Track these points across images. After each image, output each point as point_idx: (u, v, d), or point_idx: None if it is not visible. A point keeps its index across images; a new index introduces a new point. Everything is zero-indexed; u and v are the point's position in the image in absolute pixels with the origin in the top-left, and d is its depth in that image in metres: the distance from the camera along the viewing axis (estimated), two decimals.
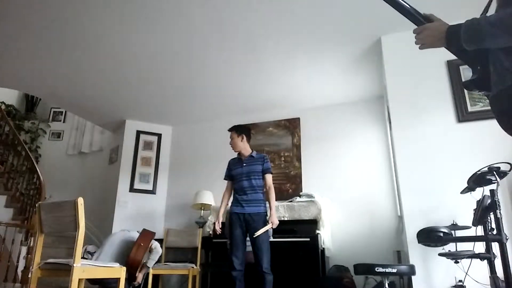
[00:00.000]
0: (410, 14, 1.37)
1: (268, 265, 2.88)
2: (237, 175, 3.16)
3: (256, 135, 5.20)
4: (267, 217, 3.05)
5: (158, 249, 3.45)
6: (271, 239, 3.03)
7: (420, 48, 1.32)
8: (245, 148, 3.25)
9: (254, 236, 2.90)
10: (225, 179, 3.31)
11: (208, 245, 4.10)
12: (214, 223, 3.17)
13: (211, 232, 4.19)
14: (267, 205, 3.09)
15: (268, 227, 2.95)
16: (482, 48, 1.17)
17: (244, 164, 3.16)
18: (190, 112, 5.30)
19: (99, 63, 4.04)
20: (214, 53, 3.83)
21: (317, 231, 3.69)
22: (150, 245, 3.39)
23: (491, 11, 1.20)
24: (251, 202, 3.05)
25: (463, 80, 3.08)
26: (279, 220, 3.90)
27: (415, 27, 1.34)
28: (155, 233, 3.50)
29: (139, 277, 3.40)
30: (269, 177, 3.16)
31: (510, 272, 2.05)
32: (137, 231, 3.64)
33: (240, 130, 3.29)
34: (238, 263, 2.92)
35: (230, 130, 3.32)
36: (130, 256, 3.21)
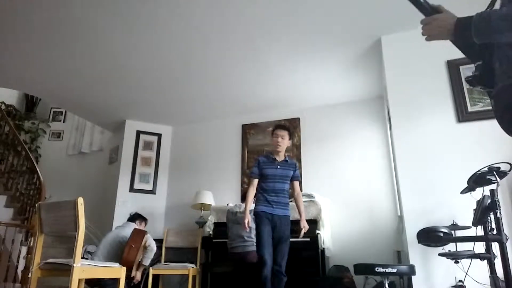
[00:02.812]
0: (419, 3, 1.29)
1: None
2: (271, 175, 3.09)
3: (256, 135, 5.20)
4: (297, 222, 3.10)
5: (152, 247, 3.43)
6: None
7: (426, 39, 1.30)
8: (284, 151, 3.22)
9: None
10: (253, 176, 3.14)
11: (208, 245, 4.10)
12: (243, 223, 3.04)
13: (211, 232, 4.19)
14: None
15: (303, 231, 3.05)
16: (488, 43, 1.16)
17: (279, 167, 3.11)
18: (190, 112, 5.30)
19: (99, 63, 4.04)
20: (214, 53, 3.83)
21: (317, 231, 3.68)
22: (143, 243, 3.38)
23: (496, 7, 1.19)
24: (280, 205, 3.05)
25: (463, 80, 3.08)
26: None
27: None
28: (146, 231, 3.47)
29: (138, 275, 3.41)
30: (297, 184, 3.21)
31: (510, 272, 2.05)
32: (135, 224, 3.63)
33: (291, 132, 3.26)
34: (270, 259, 2.88)
35: (282, 128, 3.23)
36: (123, 257, 3.21)
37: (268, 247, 2.91)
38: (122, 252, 3.30)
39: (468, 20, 1.14)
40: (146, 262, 3.41)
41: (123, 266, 3.09)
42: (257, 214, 3.03)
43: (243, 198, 3.93)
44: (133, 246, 3.26)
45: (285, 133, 3.17)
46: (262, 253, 2.89)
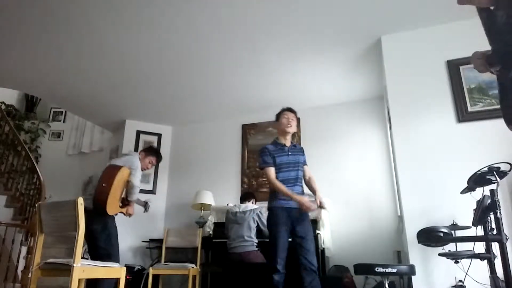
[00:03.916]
0: None
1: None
2: (283, 164, 2.83)
3: (256, 135, 5.20)
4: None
5: (133, 183, 3.17)
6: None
7: (458, 2, 1.20)
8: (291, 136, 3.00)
9: (320, 207, 2.77)
10: (268, 165, 2.82)
11: (208, 245, 4.10)
12: (303, 205, 2.66)
13: (211, 232, 4.19)
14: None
15: (319, 203, 2.77)
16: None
17: (290, 153, 2.87)
18: (190, 112, 5.30)
19: (99, 63, 4.04)
20: (214, 53, 3.83)
21: (317, 231, 3.69)
22: (126, 178, 3.13)
23: None
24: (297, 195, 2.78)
25: (463, 80, 3.08)
26: None
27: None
28: (120, 167, 3.12)
29: (130, 210, 3.24)
30: (308, 168, 3.00)
31: (510, 272, 2.05)
32: (136, 155, 3.40)
33: (297, 118, 3.07)
34: (283, 265, 2.64)
35: (291, 110, 3.01)
36: (95, 196, 2.92)
37: (283, 251, 2.66)
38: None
39: None
40: (131, 197, 3.19)
41: (97, 206, 2.92)
42: (273, 211, 2.76)
43: (243, 198, 3.93)
44: (104, 185, 2.94)
45: (294, 116, 2.99)
46: (275, 259, 2.62)
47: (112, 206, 3.01)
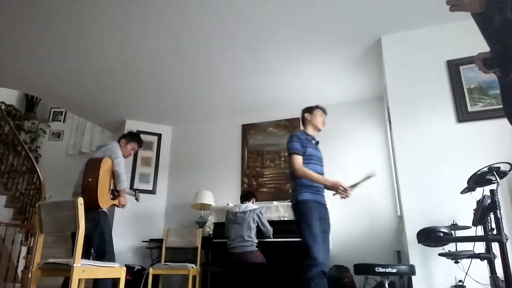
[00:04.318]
0: None
1: None
2: (314, 156, 2.72)
3: (256, 135, 5.20)
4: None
5: (118, 171, 3.07)
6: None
7: (450, 10, 1.19)
8: None
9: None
10: (299, 153, 2.65)
11: (208, 245, 4.10)
12: (340, 187, 2.56)
13: (211, 232, 4.19)
14: None
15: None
16: (508, 25, 1.06)
17: (317, 148, 2.84)
18: (190, 112, 5.30)
19: (99, 63, 4.04)
20: (214, 53, 3.83)
21: None
22: (111, 168, 3.04)
23: None
24: (323, 192, 2.70)
25: (463, 80, 3.08)
26: (279, 220, 3.93)
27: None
28: (101, 158, 3.06)
29: (121, 200, 3.16)
30: None
31: (510, 272, 2.05)
32: (116, 144, 3.27)
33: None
34: (323, 259, 2.43)
35: (325, 113, 2.98)
36: (83, 195, 2.74)
37: (323, 244, 2.46)
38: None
39: None
40: (120, 186, 3.08)
41: (88, 202, 2.73)
42: (304, 203, 2.56)
43: (243, 199, 3.92)
44: (90, 180, 2.81)
45: (323, 112, 2.97)
46: (316, 252, 2.38)
47: (103, 200, 2.94)
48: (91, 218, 2.88)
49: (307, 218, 2.51)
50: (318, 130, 2.93)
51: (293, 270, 3.54)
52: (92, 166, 2.97)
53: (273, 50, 3.76)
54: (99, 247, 2.92)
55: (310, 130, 2.91)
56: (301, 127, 3.07)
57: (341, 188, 2.58)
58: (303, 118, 3.00)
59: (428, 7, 3.07)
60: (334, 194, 2.68)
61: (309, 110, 2.98)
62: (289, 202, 4.06)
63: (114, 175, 3.10)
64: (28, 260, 4.19)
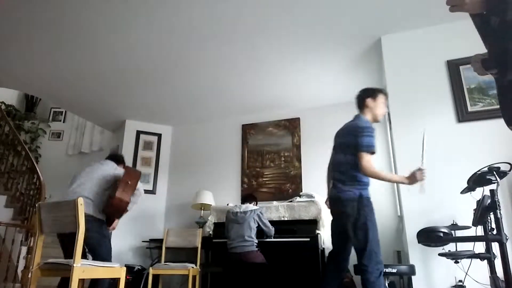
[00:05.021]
0: None
1: None
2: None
3: (256, 135, 5.20)
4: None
5: (140, 190, 2.98)
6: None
7: (450, 10, 1.17)
8: None
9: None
10: (375, 151, 2.38)
11: (208, 245, 4.10)
12: (420, 174, 2.28)
13: (211, 232, 4.19)
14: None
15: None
16: (509, 25, 1.06)
17: None
18: (190, 112, 5.30)
19: (99, 63, 4.04)
20: (214, 53, 3.83)
21: (317, 231, 3.69)
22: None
23: None
24: None
25: (463, 80, 3.08)
26: (278, 220, 3.93)
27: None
28: (140, 172, 3.03)
29: (116, 223, 3.00)
30: None
31: (510, 272, 2.05)
32: (115, 164, 3.05)
33: None
34: None
35: (386, 94, 2.62)
36: (116, 196, 2.61)
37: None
38: (108, 191, 2.74)
39: None
40: (131, 207, 2.91)
41: (116, 207, 2.63)
42: (370, 201, 2.38)
43: (244, 200, 3.91)
44: (129, 182, 2.69)
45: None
46: (380, 254, 2.26)
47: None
48: (99, 228, 2.71)
49: (373, 217, 2.34)
50: (377, 121, 2.56)
51: (292, 270, 3.55)
52: (135, 172, 2.83)
53: (273, 50, 3.76)
54: (100, 257, 2.69)
55: (369, 118, 2.53)
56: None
57: (418, 177, 2.31)
58: (363, 101, 2.56)
59: (428, 7, 3.07)
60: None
61: (373, 94, 2.56)
62: (289, 202, 4.06)
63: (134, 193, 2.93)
64: (28, 260, 4.20)
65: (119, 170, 2.97)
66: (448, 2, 1.15)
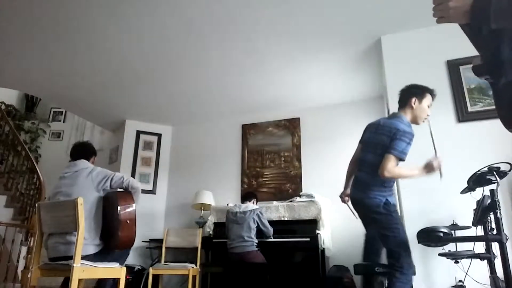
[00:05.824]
0: None
1: None
2: None
3: (256, 135, 5.20)
4: None
5: (137, 187, 2.84)
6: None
7: (437, 21, 1.18)
8: None
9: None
10: (403, 160, 2.29)
11: (208, 245, 4.10)
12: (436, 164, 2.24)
13: (211, 232, 4.19)
14: None
15: None
16: (498, 31, 1.05)
17: None
18: (190, 112, 5.30)
19: (99, 63, 4.04)
20: (214, 53, 3.83)
21: (317, 231, 3.69)
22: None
23: None
24: None
25: (463, 80, 3.08)
26: (278, 220, 3.93)
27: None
28: (130, 192, 2.81)
29: None
30: None
31: (510, 272, 2.05)
32: (88, 162, 2.68)
33: None
34: None
35: (434, 95, 2.45)
36: (121, 238, 2.45)
37: None
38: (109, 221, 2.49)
39: (487, 0, 1.02)
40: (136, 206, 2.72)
41: (125, 245, 2.51)
42: (393, 207, 2.34)
43: (244, 198, 3.92)
44: (128, 222, 2.52)
45: None
46: (412, 259, 2.20)
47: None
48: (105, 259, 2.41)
49: (399, 220, 2.31)
50: (415, 124, 2.38)
51: (292, 270, 3.55)
52: (127, 200, 2.57)
53: (273, 50, 3.75)
54: None
55: (408, 119, 2.39)
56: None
57: (437, 162, 2.26)
58: (407, 99, 2.41)
59: (428, 7, 3.05)
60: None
61: (420, 93, 2.40)
62: (289, 202, 4.06)
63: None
64: (28, 260, 4.19)
65: (96, 174, 2.57)
66: (434, 14, 1.16)
